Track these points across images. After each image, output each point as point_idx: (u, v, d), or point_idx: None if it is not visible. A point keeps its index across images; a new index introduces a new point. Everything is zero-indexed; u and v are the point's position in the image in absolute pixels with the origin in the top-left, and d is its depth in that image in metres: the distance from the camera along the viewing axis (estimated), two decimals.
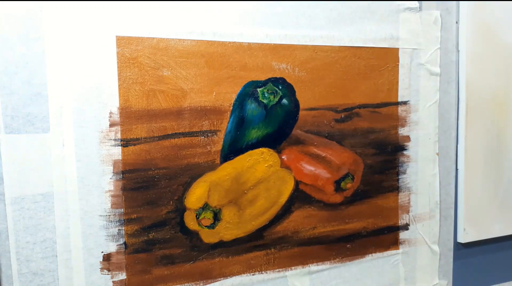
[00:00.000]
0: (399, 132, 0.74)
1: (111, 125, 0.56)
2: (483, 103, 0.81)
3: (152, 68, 0.58)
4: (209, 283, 0.64)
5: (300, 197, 0.68)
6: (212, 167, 0.62)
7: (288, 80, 0.65)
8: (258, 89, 0.63)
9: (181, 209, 0.61)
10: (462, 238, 0.82)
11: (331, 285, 0.72)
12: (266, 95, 0.64)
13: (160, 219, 0.60)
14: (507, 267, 0.90)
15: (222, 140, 0.62)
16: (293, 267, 0.69)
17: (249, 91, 0.63)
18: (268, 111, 0.64)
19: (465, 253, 0.84)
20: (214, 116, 0.61)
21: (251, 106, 0.63)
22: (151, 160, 0.59)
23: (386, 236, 0.75)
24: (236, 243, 0.65)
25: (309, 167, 0.68)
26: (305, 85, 0.66)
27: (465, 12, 0.78)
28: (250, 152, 0.64)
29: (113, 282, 0.58)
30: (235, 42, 0.61)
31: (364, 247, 0.74)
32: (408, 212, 0.76)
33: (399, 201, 0.75)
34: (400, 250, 0.77)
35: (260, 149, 0.64)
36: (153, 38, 0.57)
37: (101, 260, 0.58)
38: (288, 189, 0.67)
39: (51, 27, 0.53)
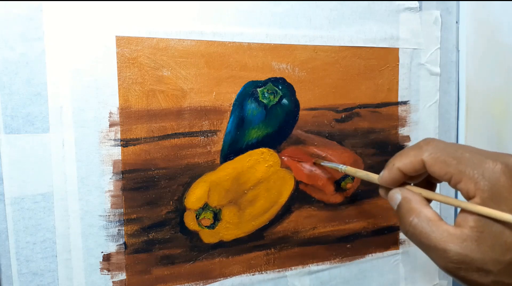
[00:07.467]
0: (399, 132, 0.74)
1: (111, 125, 0.56)
2: (483, 103, 0.81)
3: (152, 68, 0.58)
4: (209, 283, 0.64)
5: (300, 197, 0.68)
6: (212, 167, 0.62)
7: (288, 80, 0.65)
8: (258, 89, 0.63)
9: (181, 209, 0.61)
10: None
11: (331, 285, 0.72)
12: (266, 95, 0.64)
13: (160, 219, 0.60)
14: None
15: (222, 140, 0.62)
16: (293, 267, 0.69)
17: (249, 91, 0.63)
18: (268, 111, 0.64)
19: None
20: (214, 116, 0.61)
21: (251, 106, 0.63)
22: (151, 160, 0.59)
23: (386, 236, 0.75)
24: (236, 243, 0.65)
25: (309, 167, 0.68)
26: (305, 85, 0.66)
27: (465, 12, 0.78)
28: (250, 152, 0.64)
29: (113, 282, 0.58)
30: (235, 42, 0.61)
31: (364, 247, 0.74)
32: None
33: None
34: (400, 250, 0.77)
35: (260, 149, 0.64)
36: (153, 38, 0.57)
37: (101, 260, 0.58)
38: (288, 189, 0.67)
39: (51, 27, 0.53)
